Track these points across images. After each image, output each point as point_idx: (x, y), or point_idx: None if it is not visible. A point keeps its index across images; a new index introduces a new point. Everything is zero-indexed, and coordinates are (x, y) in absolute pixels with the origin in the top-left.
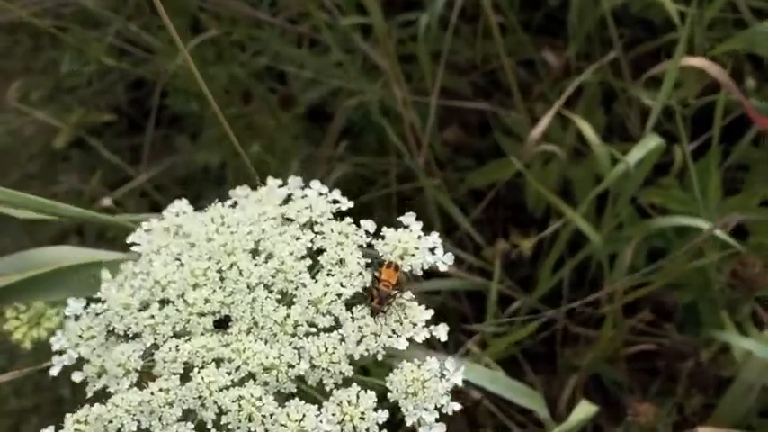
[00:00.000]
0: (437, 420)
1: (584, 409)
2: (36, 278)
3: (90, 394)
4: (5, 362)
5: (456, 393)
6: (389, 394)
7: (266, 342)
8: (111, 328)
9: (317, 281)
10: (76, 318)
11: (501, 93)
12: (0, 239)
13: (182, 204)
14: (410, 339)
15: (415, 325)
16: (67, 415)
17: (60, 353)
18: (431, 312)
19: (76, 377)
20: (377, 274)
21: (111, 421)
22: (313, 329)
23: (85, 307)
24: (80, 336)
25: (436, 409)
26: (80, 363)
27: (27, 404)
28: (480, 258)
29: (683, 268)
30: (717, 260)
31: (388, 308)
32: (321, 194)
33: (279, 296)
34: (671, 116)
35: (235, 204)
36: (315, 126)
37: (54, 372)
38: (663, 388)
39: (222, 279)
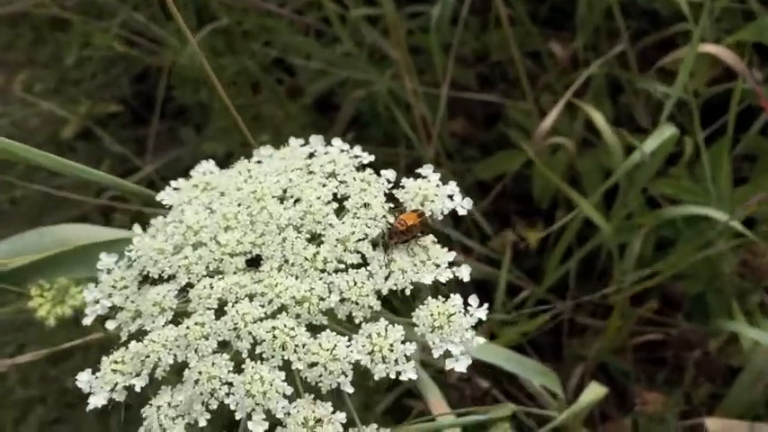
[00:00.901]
0: (462, 353)
1: (595, 391)
2: (59, 256)
3: (124, 337)
4: (14, 349)
5: (465, 381)
6: (416, 328)
7: (297, 278)
8: (144, 275)
9: (344, 222)
10: (108, 272)
11: (507, 84)
12: (8, 225)
13: (209, 165)
14: (435, 280)
15: (438, 266)
16: (104, 357)
17: (94, 302)
18: (453, 254)
19: (110, 325)
20: (397, 215)
21: (148, 356)
22: (342, 266)
23: (117, 262)
24: (113, 286)
25: (461, 342)
26: (112, 313)
27: (33, 394)
28: (487, 248)
29: (693, 258)
30: (725, 250)
31: (400, 244)
32: (343, 150)
33: (308, 236)
34: (680, 107)
35: (259, 162)
36: (322, 117)
37: (88, 321)
38: (670, 378)
39: (252, 222)
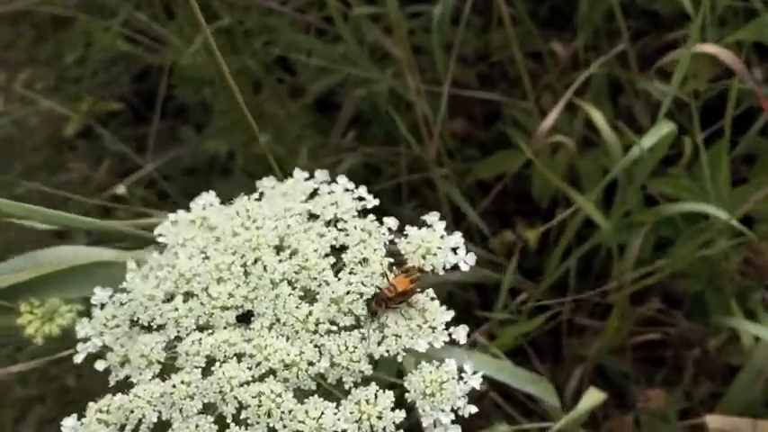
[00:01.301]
0: (453, 422)
1: (593, 397)
2: (50, 275)
3: (112, 383)
4: (12, 350)
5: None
6: (407, 394)
7: (288, 339)
8: (135, 319)
9: (339, 279)
10: (102, 306)
11: (507, 84)
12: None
13: (209, 197)
14: (429, 343)
15: (434, 329)
16: (90, 403)
17: (85, 340)
18: (451, 314)
19: (100, 366)
20: (391, 277)
21: (132, 411)
22: (334, 328)
23: (111, 296)
24: (105, 324)
25: (452, 411)
26: (104, 351)
27: (32, 393)
28: (486, 248)
29: (692, 257)
30: (726, 249)
31: (390, 309)
32: (347, 190)
33: (302, 293)
34: (679, 108)
35: (261, 196)
36: (323, 116)
37: (78, 359)
38: (669, 377)
39: (246, 274)
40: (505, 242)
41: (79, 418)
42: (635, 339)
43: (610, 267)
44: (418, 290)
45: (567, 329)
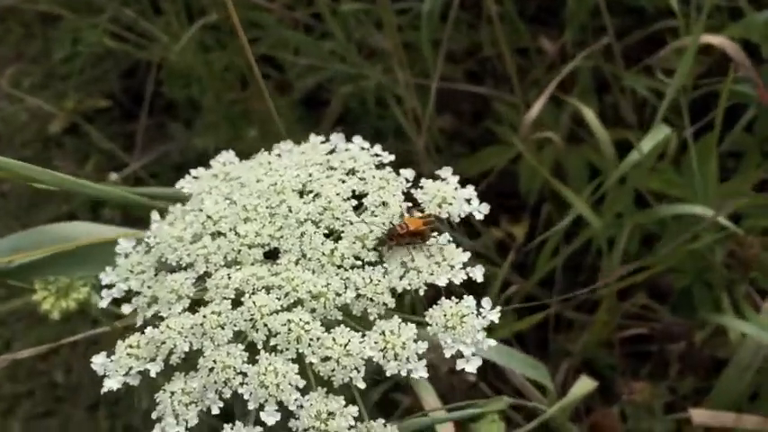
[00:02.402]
0: (473, 355)
1: (585, 384)
2: (59, 255)
3: (140, 322)
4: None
5: (453, 374)
6: (429, 327)
7: (314, 272)
8: (161, 262)
9: (362, 220)
10: (126, 256)
11: (495, 80)
12: None
13: (229, 155)
14: (449, 280)
15: (452, 267)
16: (119, 341)
17: (109, 287)
18: (468, 255)
19: (126, 309)
20: (406, 217)
21: (164, 342)
22: (359, 263)
23: (134, 246)
24: (130, 270)
25: (473, 343)
26: (128, 296)
27: (21, 389)
28: (475, 243)
29: (679, 252)
30: (712, 243)
31: (401, 246)
32: (363, 149)
33: (326, 232)
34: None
35: (279, 156)
36: (311, 112)
37: (103, 303)
38: (654, 371)
39: (272, 215)
40: (494, 238)
41: (108, 356)
42: (622, 334)
43: (598, 261)
44: (433, 233)
45: (554, 324)
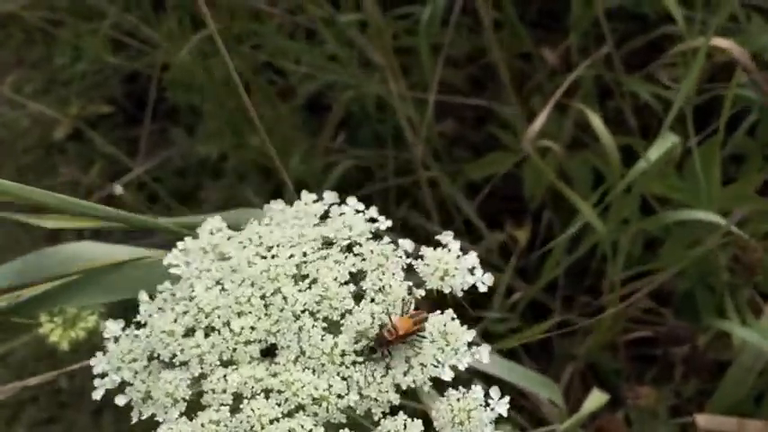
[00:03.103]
0: None
1: (597, 398)
2: (72, 283)
3: (135, 420)
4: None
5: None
6: (435, 423)
7: (314, 372)
8: (154, 354)
9: (361, 309)
10: (116, 340)
11: (497, 85)
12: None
13: (215, 222)
14: (454, 367)
15: (456, 351)
16: None
17: (102, 376)
18: (472, 333)
19: (120, 401)
20: (395, 319)
21: None
22: (360, 359)
23: (123, 329)
24: (121, 359)
25: None
26: (123, 386)
27: (25, 395)
28: (478, 248)
29: (683, 256)
30: (716, 248)
31: (387, 352)
32: (358, 212)
33: (324, 324)
34: (666, 108)
35: (270, 220)
36: (313, 118)
37: (97, 395)
38: (658, 375)
39: (267, 306)
40: (497, 242)
41: None
42: (626, 337)
43: (602, 266)
44: (422, 332)
45: (558, 328)
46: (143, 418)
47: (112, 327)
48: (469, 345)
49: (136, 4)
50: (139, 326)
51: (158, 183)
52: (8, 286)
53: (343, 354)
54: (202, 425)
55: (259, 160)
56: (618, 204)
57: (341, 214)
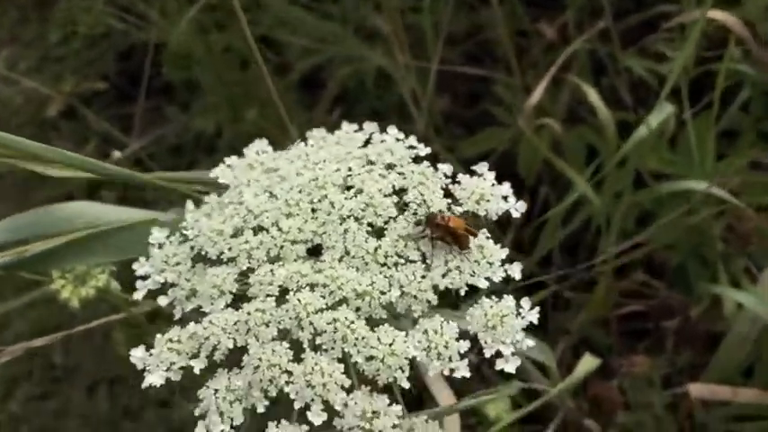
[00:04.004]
0: (513, 354)
1: (588, 362)
2: (75, 242)
3: (178, 316)
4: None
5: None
6: (469, 327)
7: (358, 270)
8: (198, 253)
9: (405, 218)
10: (160, 246)
11: (493, 62)
12: None
13: (261, 144)
14: (488, 278)
15: (491, 265)
16: (158, 335)
17: (144, 278)
18: (506, 251)
19: (163, 301)
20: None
21: (207, 338)
22: (402, 261)
23: (168, 237)
24: (165, 261)
25: (512, 344)
26: (163, 288)
27: (19, 371)
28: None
29: (676, 226)
30: (709, 217)
31: (437, 240)
32: (398, 140)
33: (368, 228)
34: (661, 83)
35: (315, 147)
36: (309, 94)
37: (138, 295)
38: (651, 348)
39: (314, 210)
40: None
41: (147, 350)
42: (619, 311)
43: (596, 242)
44: (470, 236)
45: (552, 302)
46: (186, 311)
47: (157, 234)
48: (502, 262)
49: None
50: (186, 238)
51: (153, 159)
52: (15, 240)
53: (386, 255)
54: (248, 313)
55: (255, 133)
56: (612, 177)
57: (382, 141)
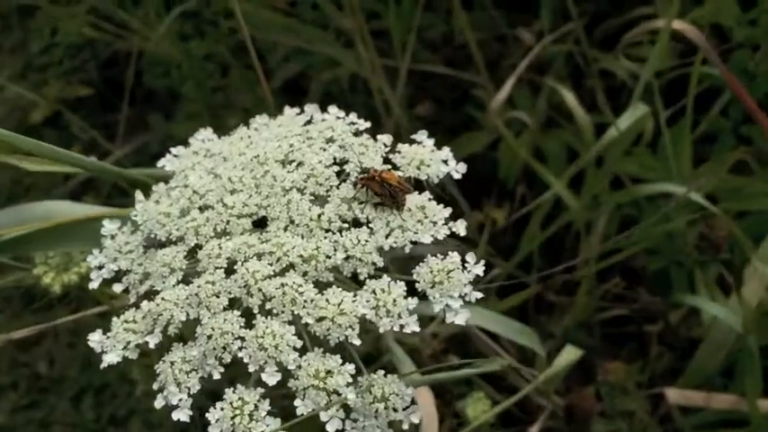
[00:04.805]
0: (461, 307)
1: (570, 353)
2: (38, 233)
3: (133, 299)
4: None
5: (438, 358)
6: (417, 285)
7: (303, 237)
8: (149, 240)
9: (346, 184)
10: (112, 237)
11: (473, 67)
12: None
13: (207, 132)
14: (433, 236)
15: (435, 224)
16: (114, 318)
17: (99, 268)
18: (449, 210)
19: (117, 288)
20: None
21: (160, 314)
22: (345, 225)
23: (119, 228)
24: (118, 251)
25: (460, 297)
26: (117, 276)
27: (4, 381)
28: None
29: (655, 233)
30: (686, 225)
31: (366, 191)
32: (339, 118)
33: (312, 198)
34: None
35: (257, 130)
36: (291, 100)
37: (94, 285)
38: (633, 351)
39: (257, 185)
40: (476, 222)
41: (104, 333)
42: (601, 316)
43: (577, 245)
44: (404, 192)
45: (535, 306)
46: (141, 293)
47: (109, 225)
48: (446, 221)
49: None
50: (136, 226)
51: (137, 168)
52: None
53: (329, 221)
54: (199, 286)
55: None
56: (591, 180)
57: (323, 120)
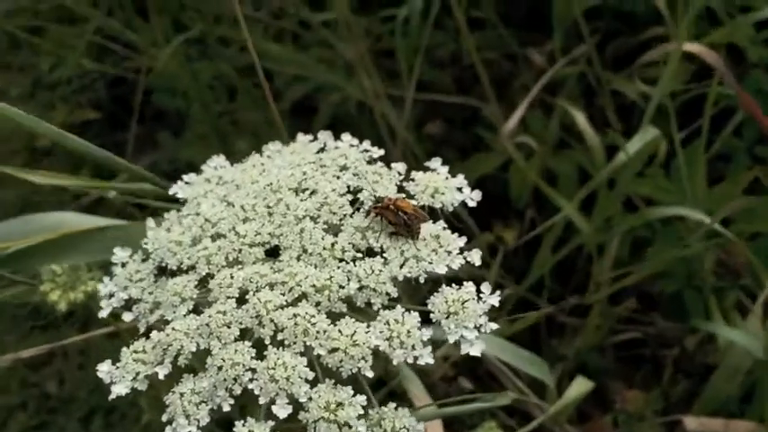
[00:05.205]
0: (476, 338)
1: (581, 385)
2: (45, 244)
3: (142, 329)
4: None
5: (448, 381)
6: (432, 315)
7: (316, 267)
8: (159, 268)
9: (360, 213)
10: (123, 265)
11: (482, 86)
12: None
13: (219, 159)
14: (447, 266)
15: (449, 253)
16: (123, 348)
17: (109, 296)
18: (464, 240)
19: (127, 317)
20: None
21: (170, 345)
22: (359, 255)
23: (131, 255)
24: (129, 279)
25: (475, 328)
26: (128, 304)
27: (13, 401)
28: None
29: (669, 258)
30: (701, 250)
31: (389, 232)
32: (352, 145)
33: (325, 227)
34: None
35: (270, 158)
36: (300, 121)
37: (103, 313)
38: (648, 376)
39: (270, 213)
40: (486, 243)
41: (114, 363)
42: (615, 338)
43: (589, 267)
44: (419, 221)
45: (547, 328)
46: (151, 323)
47: (120, 253)
48: (461, 250)
49: (119, 8)
50: (147, 254)
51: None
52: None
53: (343, 250)
54: (210, 316)
55: None
56: (603, 202)
57: (336, 148)
